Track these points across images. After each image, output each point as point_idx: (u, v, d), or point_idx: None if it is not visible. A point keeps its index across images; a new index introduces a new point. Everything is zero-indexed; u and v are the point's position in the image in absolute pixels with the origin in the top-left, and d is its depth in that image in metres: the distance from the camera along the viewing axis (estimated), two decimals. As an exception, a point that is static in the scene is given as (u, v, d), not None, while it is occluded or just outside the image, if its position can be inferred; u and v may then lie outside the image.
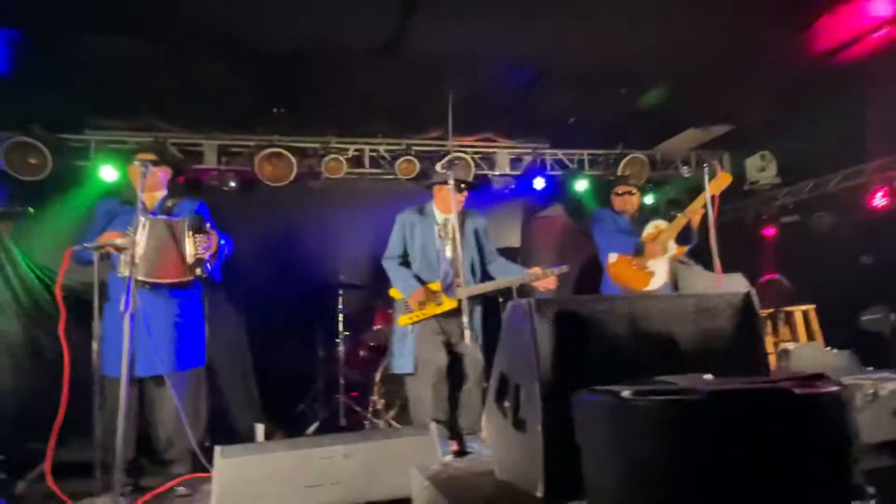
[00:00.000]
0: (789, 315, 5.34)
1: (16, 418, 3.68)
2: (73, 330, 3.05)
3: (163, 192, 3.36)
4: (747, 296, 1.73)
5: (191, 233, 3.09)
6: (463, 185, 3.59)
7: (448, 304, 3.52)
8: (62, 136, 5.03)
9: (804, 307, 5.31)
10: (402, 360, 3.58)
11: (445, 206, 3.61)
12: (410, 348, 3.53)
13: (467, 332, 3.05)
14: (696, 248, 4.31)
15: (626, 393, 1.05)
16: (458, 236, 3.29)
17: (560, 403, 1.48)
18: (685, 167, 6.04)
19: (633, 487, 0.99)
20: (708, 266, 5.37)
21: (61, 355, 2.88)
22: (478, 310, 3.66)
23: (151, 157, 3.26)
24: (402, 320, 3.58)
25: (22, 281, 3.94)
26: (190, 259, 3.08)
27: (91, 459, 2.91)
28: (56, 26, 3.92)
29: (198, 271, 3.09)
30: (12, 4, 3.64)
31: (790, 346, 4.35)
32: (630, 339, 1.59)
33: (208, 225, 3.16)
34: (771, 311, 5.35)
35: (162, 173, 3.34)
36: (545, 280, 3.52)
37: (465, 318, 3.05)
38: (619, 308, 1.61)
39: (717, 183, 3.73)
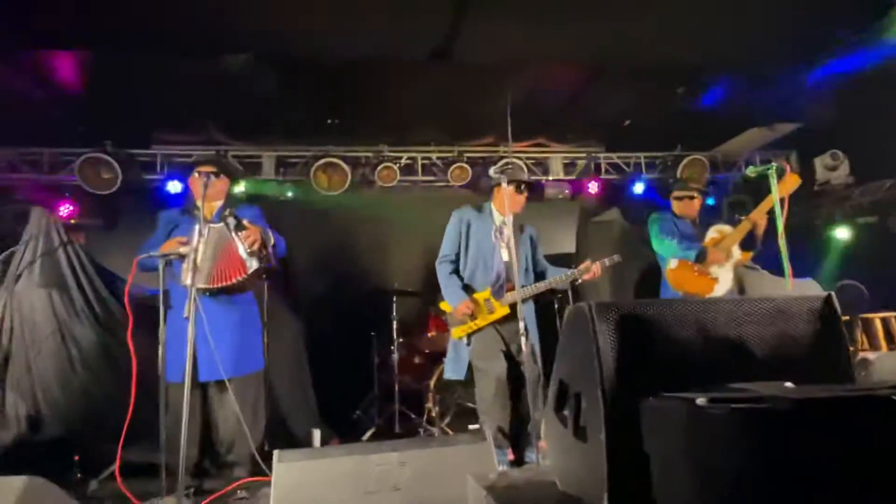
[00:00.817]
0: (868, 323, 5.01)
1: (90, 421, 3.84)
2: (140, 336, 3.18)
3: (221, 202, 3.46)
4: (828, 298, 1.60)
5: (235, 232, 3.18)
6: (523, 187, 3.54)
7: (500, 310, 3.44)
8: (131, 151, 5.27)
9: (885, 314, 4.97)
10: (455, 366, 3.53)
11: (503, 208, 3.56)
12: (464, 356, 3.48)
13: (523, 340, 2.98)
14: (760, 254, 4.10)
15: (701, 400, 0.98)
16: (513, 240, 3.21)
17: (624, 411, 1.41)
18: (751, 167, 5.76)
19: (710, 501, 0.92)
20: (774, 272, 5.12)
21: (130, 361, 3.00)
22: (531, 316, 3.57)
23: (211, 168, 3.36)
24: (456, 332, 3.51)
25: (95, 290, 4.13)
26: (245, 256, 3.16)
27: (157, 461, 3.01)
28: (124, 49, 4.14)
29: (255, 264, 3.17)
30: (85, 29, 3.86)
31: (871, 355, 4.05)
32: (699, 344, 1.50)
33: (245, 220, 3.23)
34: (847, 318, 5.02)
35: (221, 184, 3.45)
36: (594, 268, 3.47)
37: (521, 325, 2.98)
38: (687, 311, 1.52)
39: (784, 185, 3.53)
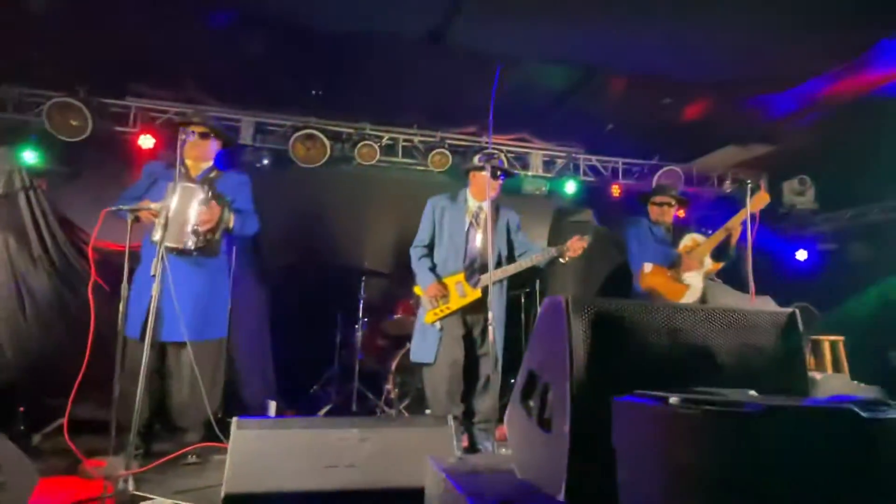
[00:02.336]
0: (817, 344, 5.21)
1: (38, 373, 3.73)
2: (100, 291, 3.09)
3: (209, 163, 3.39)
4: (792, 315, 1.67)
5: (196, 203, 3.08)
6: (499, 172, 3.54)
7: (472, 294, 3.46)
8: (105, 100, 5.09)
9: (833, 338, 5.17)
10: (422, 349, 3.55)
11: (480, 193, 3.59)
12: (433, 339, 3.49)
13: (491, 329, 3.01)
14: (727, 267, 4.23)
15: (674, 399, 1.00)
16: (490, 224, 3.23)
17: (590, 407, 1.44)
18: (726, 182, 5.94)
19: (675, 497, 0.95)
20: (735, 287, 5.28)
21: (87, 314, 2.91)
22: (500, 302, 3.59)
23: (200, 128, 3.28)
24: (429, 317, 3.53)
25: (55, 239, 4.00)
26: (187, 230, 3.07)
27: (107, 419, 2.95)
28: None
29: (189, 244, 3.07)
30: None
31: (817, 375, 4.23)
32: (669, 346, 1.54)
33: (213, 202, 3.12)
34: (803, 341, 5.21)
35: (210, 145, 3.36)
36: (573, 246, 3.38)
37: (490, 314, 3.00)
38: (659, 314, 1.56)
39: (755, 202, 3.66)
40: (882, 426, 0.88)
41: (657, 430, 1.04)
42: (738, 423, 0.88)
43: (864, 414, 0.86)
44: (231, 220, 3.24)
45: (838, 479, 0.86)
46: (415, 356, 3.61)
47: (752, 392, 1.20)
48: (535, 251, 3.59)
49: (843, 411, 0.89)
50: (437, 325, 3.49)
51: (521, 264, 3.53)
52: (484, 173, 3.44)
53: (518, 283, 4.96)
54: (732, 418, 0.89)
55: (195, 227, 3.06)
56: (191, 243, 3.06)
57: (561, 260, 3.48)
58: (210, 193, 3.11)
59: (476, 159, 3.51)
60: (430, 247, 3.72)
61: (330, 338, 4.89)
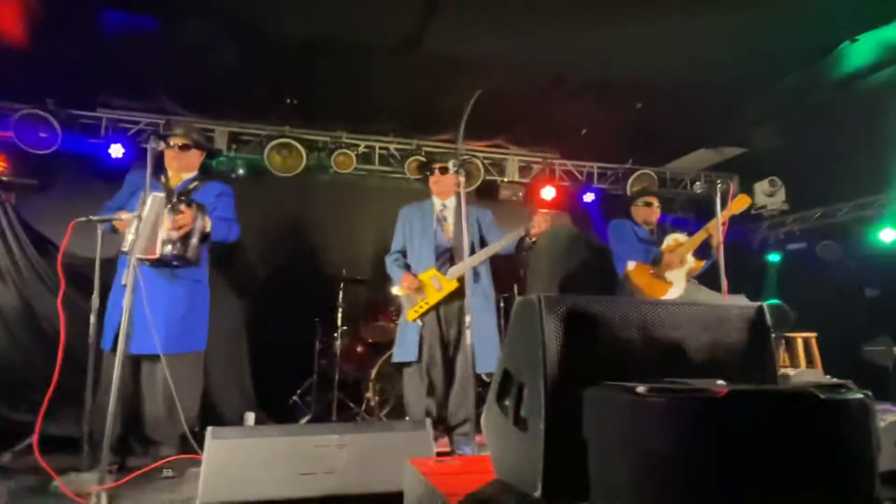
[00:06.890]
0: (790, 341, 5.30)
1: (7, 389, 3.64)
2: (71, 303, 3.03)
3: (191, 174, 3.36)
4: (760, 309, 1.70)
5: (167, 209, 2.99)
6: (437, 170, 3.74)
7: (447, 286, 3.49)
8: (74, 111, 5.01)
9: (806, 334, 5.27)
10: (403, 349, 3.58)
11: (441, 192, 3.75)
12: (414, 338, 3.52)
13: (468, 332, 3.01)
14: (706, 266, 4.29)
15: (641, 389, 1.02)
16: (451, 218, 3.46)
17: (564, 403, 1.45)
18: (698, 183, 6.04)
19: (645, 484, 0.96)
20: (711, 286, 5.36)
21: (57, 328, 2.86)
22: (487, 304, 3.63)
23: (180, 140, 3.26)
24: (410, 315, 3.57)
25: (23, 251, 3.92)
26: (160, 238, 2.97)
27: (79, 434, 2.89)
28: (77, 1, 3.92)
29: (167, 250, 2.97)
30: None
31: (790, 371, 4.30)
32: (640, 343, 1.56)
33: (184, 205, 3.03)
34: (772, 335, 5.30)
35: (191, 156, 3.35)
36: (537, 221, 3.38)
37: (468, 318, 3.00)
38: (631, 311, 1.58)
39: (735, 204, 3.74)
40: (839, 406, 0.91)
41: (625, 419, 1.05)
42: (704, 407, 0.90)
43: (822, 395, 0.89)
44: (207, 224, 3.18)
45: (800, 457, 0.88)
46: (397, 356, 3.63)
47: (720, 382, 1.22)
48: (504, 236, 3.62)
49: (802, 392, 0.91)
50: (419, 322, 3.52)
51: (490, 249, 3.55)
52: (436, 174, 3.73)
53: (497, 289, 4.98)
54: (698, 403, 0.91)
55: (168, 235, 2.99)
56: (167, 250, 2.98)
57: (528, 240, 3.51)
58: (179, 199, 3.05)
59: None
60: (404, 253, 3.80)
61: (309, 347, 4.85)
